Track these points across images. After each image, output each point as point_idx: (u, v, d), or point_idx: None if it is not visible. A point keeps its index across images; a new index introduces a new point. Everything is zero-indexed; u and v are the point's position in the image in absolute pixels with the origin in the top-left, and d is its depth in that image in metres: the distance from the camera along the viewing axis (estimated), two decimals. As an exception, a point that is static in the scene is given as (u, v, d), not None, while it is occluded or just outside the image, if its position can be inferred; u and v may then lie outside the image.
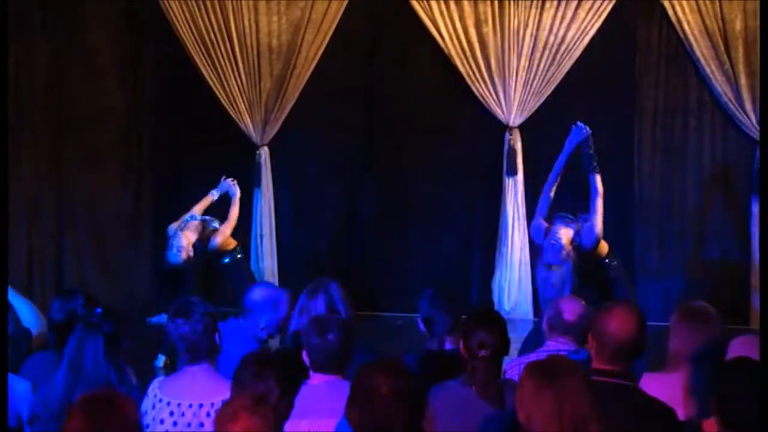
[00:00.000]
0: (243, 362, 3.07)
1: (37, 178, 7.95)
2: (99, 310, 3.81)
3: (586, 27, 8.05)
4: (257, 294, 4.28)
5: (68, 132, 8.15)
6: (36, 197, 7.95)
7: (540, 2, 8.06)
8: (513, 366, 4.15)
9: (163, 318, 7.19)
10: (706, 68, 7.92)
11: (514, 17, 8.12)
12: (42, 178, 7.99)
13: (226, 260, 6.98)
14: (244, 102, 8.45)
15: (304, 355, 3.44)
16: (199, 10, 8.38)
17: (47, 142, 8.03)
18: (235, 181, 7.11)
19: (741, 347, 3.27)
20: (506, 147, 8.19)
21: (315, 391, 3.34)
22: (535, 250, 6.39)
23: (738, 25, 7.82)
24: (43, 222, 8.01)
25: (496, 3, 8.14)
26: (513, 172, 8.19)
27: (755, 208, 7.89)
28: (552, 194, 6.04)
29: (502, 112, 8.20)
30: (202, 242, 6.87)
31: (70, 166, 8.19)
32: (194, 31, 8.41)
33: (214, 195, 7.07)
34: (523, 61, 8.14)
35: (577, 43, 8.07)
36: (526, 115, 8.19)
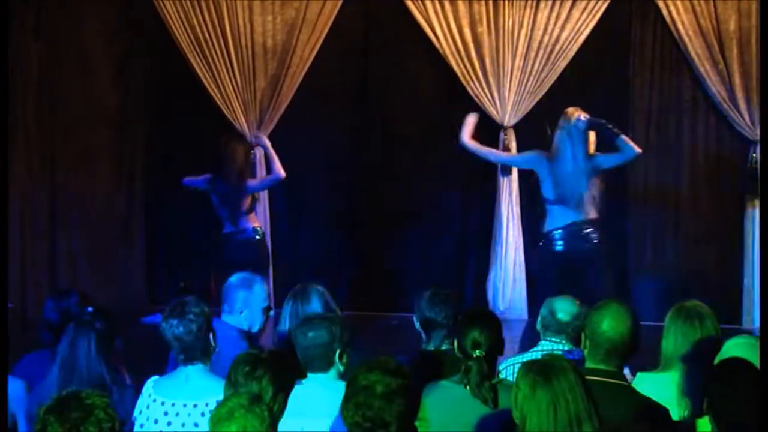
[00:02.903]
0: (236, 362, 3.08)
1: (30, 177, 7.93)
2: (90, 308, 3.82)
3: (580, 27, 8.06)
4: (231, 278, 4.32)
5: (61, 131, 8.13)
6: (29, 197, 7.93)
7: (534, 2, 8.07)
8: (507, 366, 4.17)
9: (157, 318, 7.18)
10: (700, 68, 7.93)
11: (509, 17, 8.12)
12: (35, 177, 7.96)
13: (249, 232, 6.95)
14: (238, 102, 8.44)
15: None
16: (194, 9, 8.36)
17: (40, 141, 8.01)
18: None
19: (738, 349, 3.29)
20: (501, 147, 8.19)
21: (309, 391, 3.35)
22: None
23: (732, 25, 7.83)
24: (36, 221, 7.99)
25: (490, 3, 8.14)
26: (507, 172, 8.18)
27: (748, 208, 7.91)
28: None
29: (497, 111, 8.21)
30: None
31: (63, 166, 8.17)
32: (188, 30, 8.39)
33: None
34: (518, 61, 8.14)
35: (572, 43, 8.08)
36: (520, 115, 8.20)
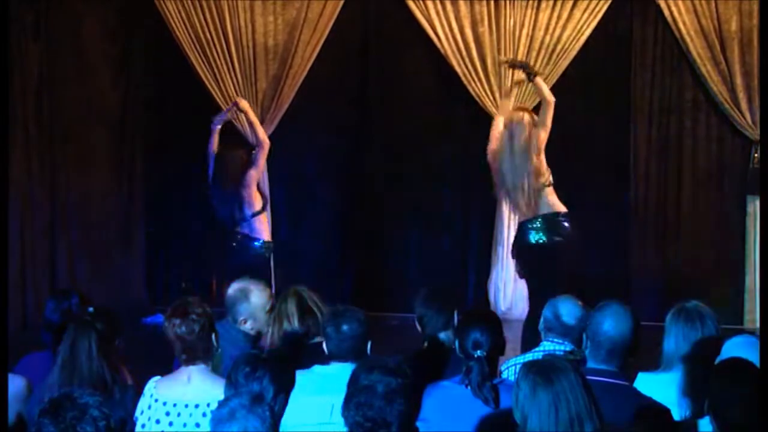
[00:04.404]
0: (236, 362, 3.09)
1: (30, 178, 7.92)
2: (91, 308, 3.81)
3: (581, 27, 8.05)
4: (229, 288, 4.33)
5: (61, 131, 8.12)
6: (28, 197, 7.92)
7: (536, 2, 8.06)
8: (509, 366, 4.16)
9: (158, 318, 7.18)
10: (702, 68, 7.93)
11: (510, 17, 8.12)
12: (34, 178, 7.95)
13: (257, 245, 6.77)
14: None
15: (324, 345, 3.55)
16: (195, 9, 8.36)
17: (40, 141, 8.00)
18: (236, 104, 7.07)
19: (738, 349, 3.28)
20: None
21: (337, 373, 3.42)
22: None
23: (733, 25, 7.83)
24: (36, 222, 7.98)
25: (492, 3, 8.14)
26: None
27: (750, 208, 7.90)
28: None
29: (498, 112, 8.20)
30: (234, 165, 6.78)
31: (63, 166, 8.16)
32: (189, 30, 8.39)
33: (215, 127, 6.96)
34: (519, 61, 8.14)
35: (573, 43, 8.07)
36: (521, 115, 8.19)
